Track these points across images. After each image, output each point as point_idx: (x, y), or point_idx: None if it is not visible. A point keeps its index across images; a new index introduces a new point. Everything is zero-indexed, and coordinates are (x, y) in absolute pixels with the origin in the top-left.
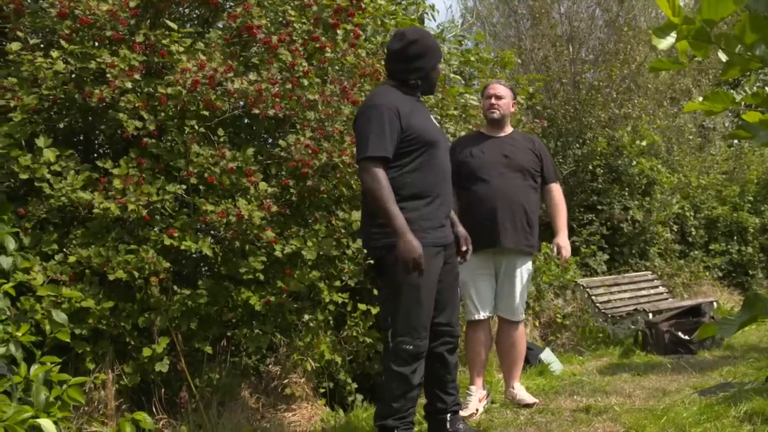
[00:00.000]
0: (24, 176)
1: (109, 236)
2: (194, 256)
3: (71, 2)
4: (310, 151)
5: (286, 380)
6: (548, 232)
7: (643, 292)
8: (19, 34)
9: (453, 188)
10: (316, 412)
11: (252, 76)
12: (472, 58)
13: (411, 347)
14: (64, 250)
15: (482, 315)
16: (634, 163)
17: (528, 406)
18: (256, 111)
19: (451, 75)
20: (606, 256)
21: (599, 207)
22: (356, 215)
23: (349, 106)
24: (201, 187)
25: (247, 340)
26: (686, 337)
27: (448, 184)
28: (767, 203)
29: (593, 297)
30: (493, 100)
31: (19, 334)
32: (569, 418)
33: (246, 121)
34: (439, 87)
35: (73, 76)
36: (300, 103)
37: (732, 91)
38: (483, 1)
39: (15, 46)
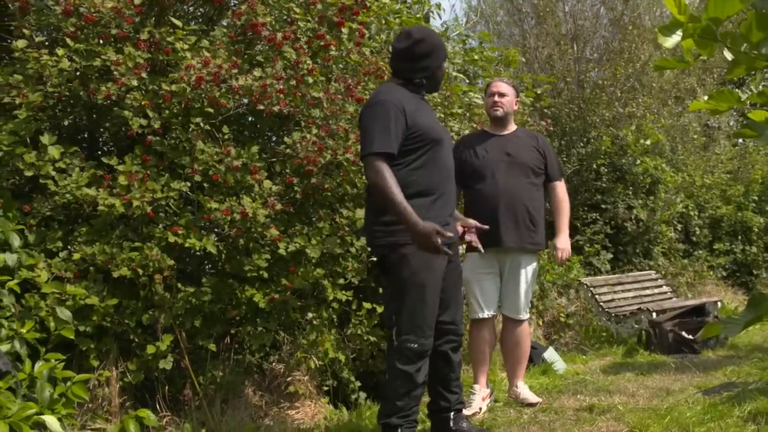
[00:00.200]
0: (29, 173)
1: (114, 233)
2: (198, 253)
3: (76, 0)
4: (316, 148)
5: (290, 378)
6: (552, 230)
7: (647, 292)
8: (25, 31)
9: (456, 187)
10: (320, 409)
11: (257, 73)
12: (476, 57)
13: (416, 346)
14: (69, 247)
15: (486, 313)
16: (639, 162)
17: (531, 405)
18: (261, 108)
19: (455, 74)
20: (610, 255)
21: (603, 206)
22: (360, 213)
23: (354, 104)
24: (205, 184)
25: (250, 337)
26: (690, 337)
27: (452, 182)
28: None
29: (597, 296)
30: (496, 98)
31: (23, 331)
32: (572, 417)
33: (250, 118)
34: (444, 85)
35: (78, 73)
36: (305, 100)
37: (737, 89)
38: None
39: (20, 43)
